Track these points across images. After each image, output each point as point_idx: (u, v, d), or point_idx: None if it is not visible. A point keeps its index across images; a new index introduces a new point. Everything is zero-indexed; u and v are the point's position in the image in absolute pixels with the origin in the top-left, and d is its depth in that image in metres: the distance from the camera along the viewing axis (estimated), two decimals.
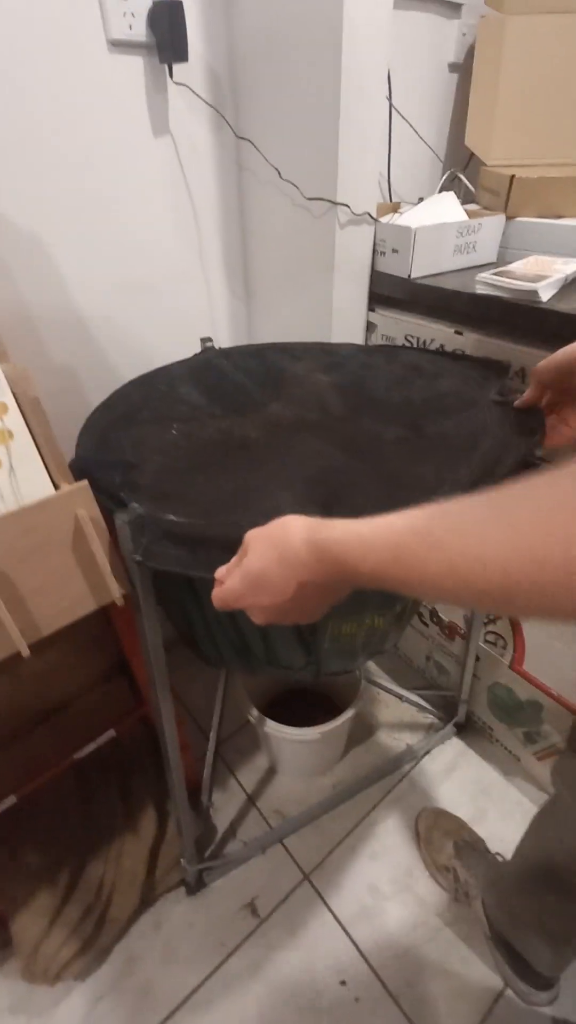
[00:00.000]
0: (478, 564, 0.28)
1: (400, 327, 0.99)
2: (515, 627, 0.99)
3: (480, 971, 0.90)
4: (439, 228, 0.90)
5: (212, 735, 1.23)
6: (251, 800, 1.14)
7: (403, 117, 1.09)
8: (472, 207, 1.04)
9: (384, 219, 0.94)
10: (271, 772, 1.19)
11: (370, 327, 1.05)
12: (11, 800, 0.88)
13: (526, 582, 0.27)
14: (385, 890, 1.00)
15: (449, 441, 0.70)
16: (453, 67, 1.14)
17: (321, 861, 1.04)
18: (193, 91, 0.89)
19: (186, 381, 0.86)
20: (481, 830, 1.05)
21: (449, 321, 0.91)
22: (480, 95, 1.06)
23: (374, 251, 0.96)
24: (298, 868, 1.03)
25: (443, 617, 1.17)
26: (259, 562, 0.40)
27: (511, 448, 0.63)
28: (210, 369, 0.90)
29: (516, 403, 0.68)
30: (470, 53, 1.09)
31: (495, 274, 0.81)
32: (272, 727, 1.00)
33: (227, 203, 1.02)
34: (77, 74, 0.79)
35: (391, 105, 1.04)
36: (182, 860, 0.95)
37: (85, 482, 0.53)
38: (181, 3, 0.79)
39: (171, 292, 1.03)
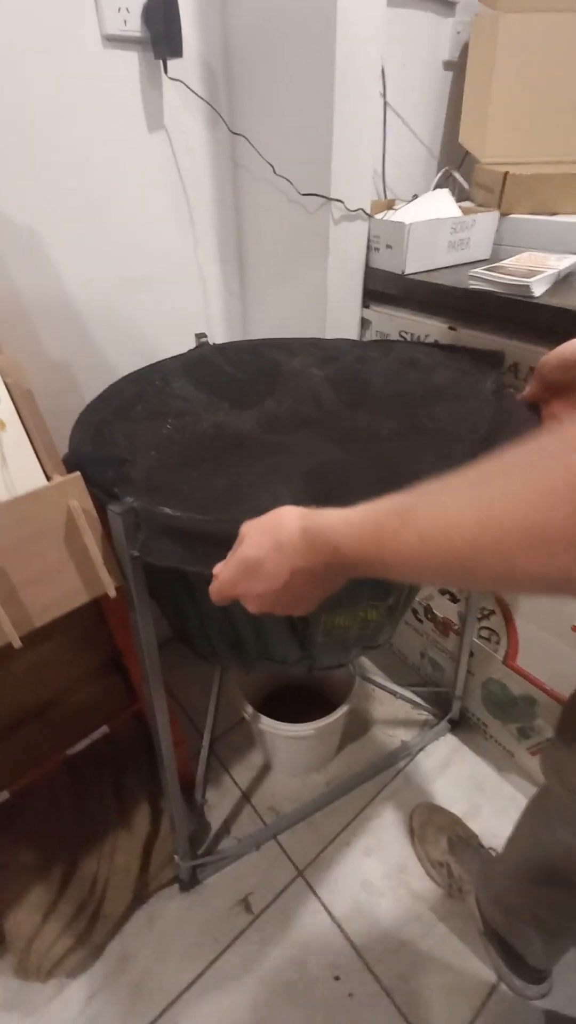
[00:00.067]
0: (446, 533, 0.29)
1: (394, 323, 0.99)
2: (508, 622, 1.00)
3: (474, 966, 0.90)
4: (433, 224, 0.90)
5: (207, 732, 1.22)
6: (245, 797, 1.14)
7: (398, 115, 1.10)
8: (467, 204, 1.04)
9: (378, 216, 0.94)
10: (266, 769, 1.19)
11: (365, 323, 1.05)
12: (4, 795, 0.88)
13: (489, 546, 0.27)
14: (379, 886, 1.00)
15: (446, 434, 0.70)
16: (447, 65, 1.14)
17: (315, 857, 1.04)
18: (188, 87, 0.89)
19: (180, 376, 0.86)
20: (475, 826, 1.05)
21: (443, 317, 0.92)
22: (474, 93, 1.07)
23: (368, 247, 0.96)
24: (292, 864, 1.03)
25: (437, 613, 1.17)
26: (254, 550, 0.41)
27: (509, 441, 0.63)
28: (205, 365, 0.90)
29: (519, 397, 0.68)
30: (464, 51, 1.10)
31: (488, 269, 0.81)
32: (267, 723, 1.00)
33: (222, 199, 1.02)
34: (71, 69, 0.79)
35: (386, 102, 1.04)
36: (176, 856, 0.95)
37: (77, 473, 0.53)
38: None
39: (166, 288, 1.03)
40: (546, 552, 0.25)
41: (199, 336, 0.97)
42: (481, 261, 0.98)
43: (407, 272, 0.92)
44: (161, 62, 0.84)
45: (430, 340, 0.94)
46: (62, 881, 0.89)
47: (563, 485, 0.24)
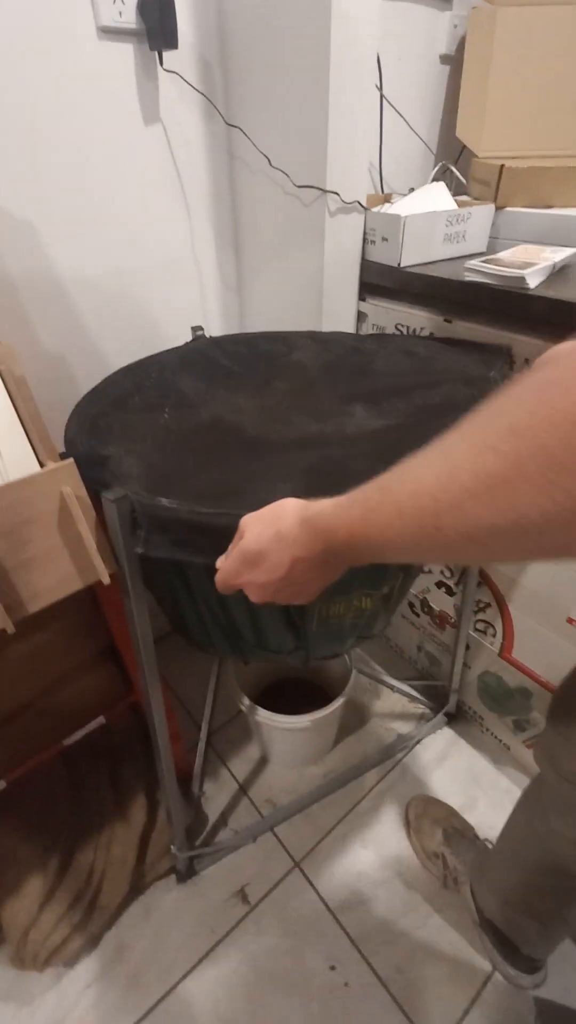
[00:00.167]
0: (416, 497, 0.29)
1: (390, 316, 0.99)
2: (504, 614, 1.00)
3: (469, 956, 0.91)
4: (429, 216, 0.90)
5: (204, 725, 1.23)
6: (243, 789, 1.14)
7: (395, 109, 1.10)
8: (463, 198, 1.04)
9: (375, 209, 0.94)
10: (263, 762, 1.19)
11: (361, 317, 1.05)
12: (0, 785, 0.88)
13: (447, 501, 0.27)
14: (375, 877, 1.00)
15: (447, 427, 0.70)
16: (445, 59, 1.14)
17: (312, 849, 1.04)
18: (183, 78, 0.89)
19: (177, 369, 0.87)
20: (471, 818, 1.05)
21: (438, 309, 0.92)
22: (471, 87, 1.06)
23: (364, 240, 0.96)
24: (289, 856, 1.03)
25: (434, 607, 1.18)
26: (256, 541, 0.42)
27: None
28: (201, 357, 0.91)
29: None
30: (461, 45, 1.10)
31: (483, 261, 0.81)
32: (263, 715, 1.00)
33: (218, 191, 1.02)
34: (67, 61, 0.79)
35: (382, 96, 1.04)
36: (172, 847, 0.95)
37: (71, 460, 0.53)
38: None
39: (162, 280, 1.03)
40: (491, 497, 0.25)
41: (195, 329, 0.97)
42: (477, 254, 0.98)
43: (403, 265, 0.92)
44: (156, 54, 0.84)
45: (426, 333, 0.95)
46: (58, 871, 0.89)
47: (506, 430, 0.25)
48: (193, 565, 0.63)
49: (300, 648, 0.76)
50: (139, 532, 0.55)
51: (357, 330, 1.06)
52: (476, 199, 1.03)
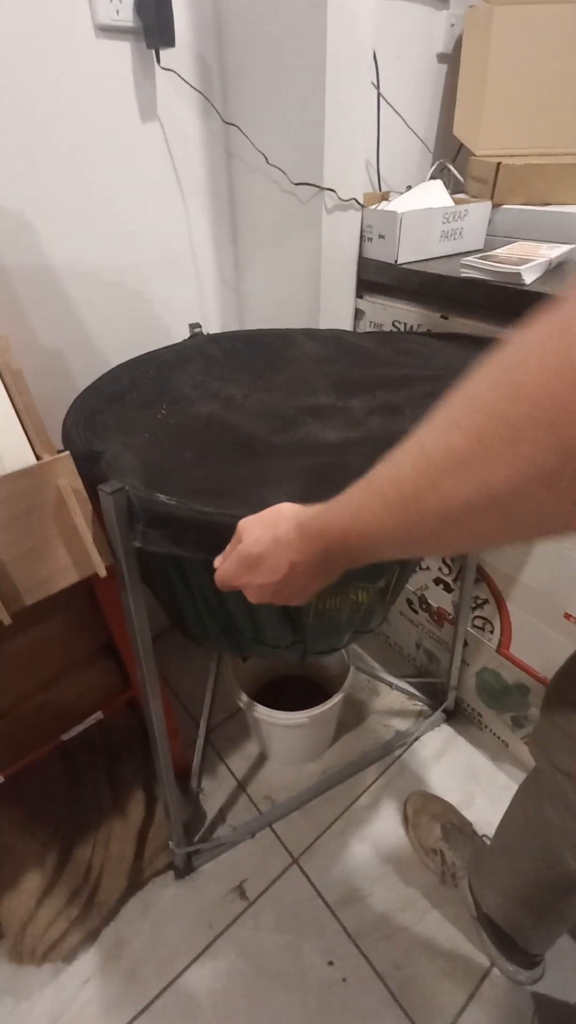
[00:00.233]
0: (397, 485, 0.30)
1: (388, 313, 1.00)
2: (502, 610, 1.00)
3: (467, 951, 0.91)
4: (425, 213, 0.91)
5: (202, 722, 1.23)
6: (241, 786, 1.14)
7: (392, 107, 1.10)
8: (461, 196, 1.05)
9: (372, 206, 0.95)
10: (261, 759, 1.20)
11: (358, 314, 1.06)
12: None
13: (424, 482, 0.28)
14: (373, 873, 1.00)
15: None
16: (442, 57, 1.15)
17: (310, 845, 1.04)
18: (180, 76, 0.89)
19: (174, 365, 0.87)
20: (469, 815, 1.05)
21: (435, 306, 0.92)
22: (468, 85, 1.07)
23: (361, 237, 0.97)
24: (287, 852, 1.04)
25: (432, 604, 1.18)
26: (254, 545, 0.43)
27: None
28: (199, 354, 0.91)
29: None
30: (459, 44, 1.10)
31: (480, 258, 0.82)
32: (262, 711, 1.00)
33: (216, 188, 1.03)
34: (64, 59, 0.79)
35: (379, 95, 1.04)
36: (170, 843, 0.95)
37: (67, 453, 0.53)
38: None
39: (160, 277, 1.03)
40: (462, 472, 0.26)
41: (193, 326, 0.98)
42: (474, 251, 0.98)
43: (400, 262, 0.92)
44: (153, 52, 0.85)
45: (423, 330, 0.95)
46: (56, 866, 0.90)
47: (468, 404, 0.26)
48: (190, 560, 0.64)
49: (297, 642, 0.76)
50: (136, 526, 0.55)
51: (354, 327, 1.07)
52: (473, 196, 1.04)
